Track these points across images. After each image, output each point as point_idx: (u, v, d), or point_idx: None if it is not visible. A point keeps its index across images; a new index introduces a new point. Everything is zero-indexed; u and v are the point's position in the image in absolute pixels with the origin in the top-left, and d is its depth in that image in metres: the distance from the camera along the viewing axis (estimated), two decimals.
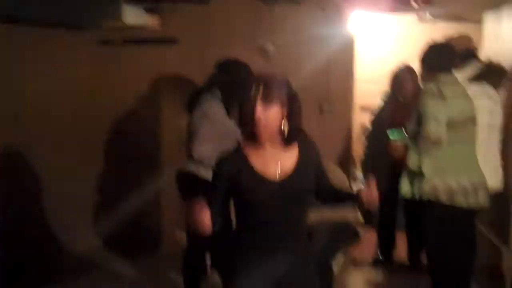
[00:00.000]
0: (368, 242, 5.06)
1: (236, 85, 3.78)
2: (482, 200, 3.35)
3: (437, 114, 3.20)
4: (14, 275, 4.21)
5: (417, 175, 3.29)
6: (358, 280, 4.69)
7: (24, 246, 4.29)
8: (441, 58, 3.38)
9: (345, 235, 4.42)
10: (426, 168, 3.25)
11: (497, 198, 3.81)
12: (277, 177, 2.19)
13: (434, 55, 3.40)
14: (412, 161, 3.28)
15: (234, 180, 2.21)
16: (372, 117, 4.85)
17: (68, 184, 4.60)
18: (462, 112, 3.27)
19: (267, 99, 2.13)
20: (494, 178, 3.67)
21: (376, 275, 4.82)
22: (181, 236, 4.64)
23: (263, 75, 2.19)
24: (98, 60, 4.87)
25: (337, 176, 4.41)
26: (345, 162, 4.83)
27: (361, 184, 5.70)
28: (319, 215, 4.32)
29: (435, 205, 3.29)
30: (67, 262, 4.51)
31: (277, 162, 2.20)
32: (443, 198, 3.26)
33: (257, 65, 4.74)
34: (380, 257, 4.95)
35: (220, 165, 2.28)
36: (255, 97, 2.13)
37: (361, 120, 5.89)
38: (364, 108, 5.88)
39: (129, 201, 4.95)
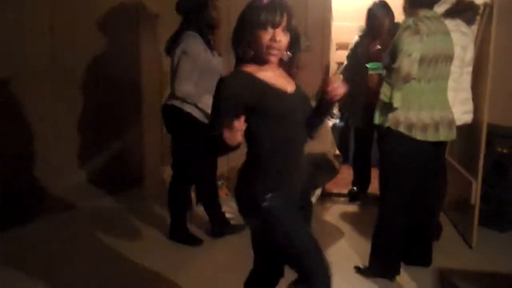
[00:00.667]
0: (344, 176, 5.24)
1: (203, 9, 3.84)
2: (443, 135, 3.43)
3: (411, 50, 3.25)
4: None
5: (387, 106, 3.38)
6: (334, 213, 4.86)
7: (8, 183, 4.34)
8: None
9: (323, 170, 4.56)
10: (395, 101, 3.33)
11: (467, 131, 3.96)
12: (290, 90, 2.31)
13: None
14: (384, 92, 3.37)
15: (254, 98, 2.21)
16: (349, 52, 4.94)
17: (50, 123, 4.62)
18: (436, 49, 3.31)
19: (288, 28, 2.22)
20: (464, 111, 3.80)
21: (351, 208, 5.01)
22: (165, 172, 4.75)
23: (283, 3, 2.23)
24: None
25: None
26: None
27: (337, 121, 5.84)
28: None
29: (394, 132, 3.40)
30: (52, 199, 4.59)
31: (283, 79, 2.32)
32: (402, 129, 3.36)
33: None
34: (355, 190, 5.14)
35: (229, 87, 2.23)
36: (279, 24, 2.19)
37: (337, 57, 5.96)
38: (340, 46, 5.94)
39: (112, 138, 5.00)
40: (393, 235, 3.57)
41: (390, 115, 3.38)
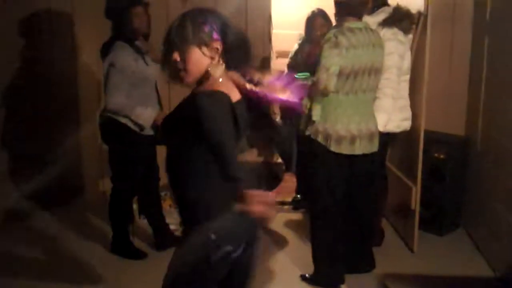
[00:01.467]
0: (288, 184, 5.24)
1: (123, 18, 3.75)
2: (359, 148, 3.45)
3: (329, 64, 3.26)
4: None
5: (308, 116, 3.44)
6: (279, 221, 4.85)
7: None
8: (353, 2, 3.38)
9: (265, 177, 4.57)
10: (314, 114, 3.39)
11: (406, 138, 4.05)
12: None
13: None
14: (304, 104, 3.41)
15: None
16: (289, 60, 4.98)
17: None
18: (355, 63, 3.31)
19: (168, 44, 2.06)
20: (403, 118, 3.87)
21: (295, 215, 5.02)
22: (104, 184, 4.64)
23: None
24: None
25: None
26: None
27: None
28: (240, 158, 4.44)
29: (314, 142, 3.44)
30: None
31: None
32: (320, 140, 3.41)
33: (174, 6, 4.77)
34: (299, 198, 5.16)
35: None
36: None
37: (277, 66, 5.99)
38: (280, 54, 5.98)
39: (49, 150, 4.86)
40: (326, 243, 3.59)
41: (311, 127, 3.44)
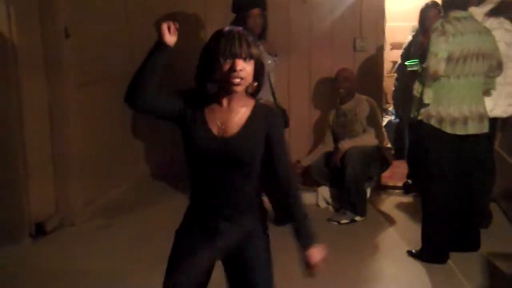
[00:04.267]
0: (399, 171, 5.47)
1: (242, 16, 4.23)
2: (472, 129, 3.64)
3: (437, 50, 3.50)
4: None
5: (420, 101, 3.66)
6: (389, 203, 5.09)
7: None
8: None
9: (376, 161, 4.85)
10: (426, 97, 3.61)
11: None
12: (221, 134, 2.13)
13: None
14: (416, 89, 3.66)
15: (184, 118, 2.15)
16: (402, 51, 5.19)
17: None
18: (463, 48, 3.53)
19: (249, 55, 2.06)
20: (509, 104, 4.00)
21: (405, 199, 5.21)
22: None
23: (239, 30, 2.09)
24: None
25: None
26: (377, 97, 5.13)
27: (392, 117, 6.07)
28: (352, 142, 4.74)
29: (426, 126, 3.66)
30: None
31: (226, 119, 2.14)
32: (433, 123, 3.62)
33: (295, 6, 5.14)
34: (409, 182, 5.37)
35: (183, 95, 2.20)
36: (239, 52, 2.04)
37: (391, 57, 6.18)
38: (394, 46, 6.16)
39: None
40: (436, 221, 3.78)
41: (423, 110, 3.66)
